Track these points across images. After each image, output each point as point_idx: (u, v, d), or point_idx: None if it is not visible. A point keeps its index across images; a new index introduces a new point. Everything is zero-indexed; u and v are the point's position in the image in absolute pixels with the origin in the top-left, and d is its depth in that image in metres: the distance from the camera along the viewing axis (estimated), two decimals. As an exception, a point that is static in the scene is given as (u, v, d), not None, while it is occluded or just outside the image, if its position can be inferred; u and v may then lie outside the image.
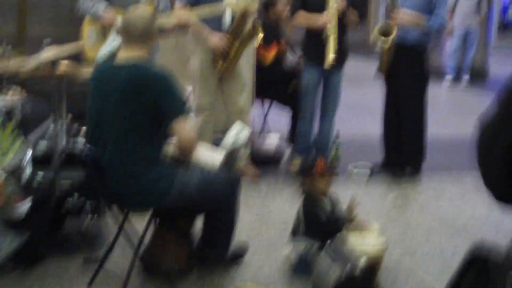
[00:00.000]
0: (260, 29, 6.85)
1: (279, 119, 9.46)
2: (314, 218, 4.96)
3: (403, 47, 7.20)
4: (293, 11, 7.41)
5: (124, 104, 4.34)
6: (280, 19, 8.48)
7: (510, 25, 22.62)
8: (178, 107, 4.39)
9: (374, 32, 7.23)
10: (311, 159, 5.22)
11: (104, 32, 6.40)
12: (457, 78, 14.75)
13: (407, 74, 7.25)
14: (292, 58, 8.66)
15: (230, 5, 6.58)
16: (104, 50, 6.35)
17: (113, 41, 6.34)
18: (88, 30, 6.46)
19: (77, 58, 5.93)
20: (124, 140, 4.37)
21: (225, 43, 6.74)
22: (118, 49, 4.61)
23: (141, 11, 4.63)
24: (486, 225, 6.14)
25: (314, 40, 7.23)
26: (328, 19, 7.00)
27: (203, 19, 6.77)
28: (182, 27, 6.54)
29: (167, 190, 4.45)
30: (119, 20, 6.34)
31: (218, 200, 4.70)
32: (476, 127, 1.86)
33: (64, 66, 5.42)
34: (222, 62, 6.83)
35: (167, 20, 6.41)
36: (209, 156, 4.84)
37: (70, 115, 5.80)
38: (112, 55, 4.60)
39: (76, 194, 5.34)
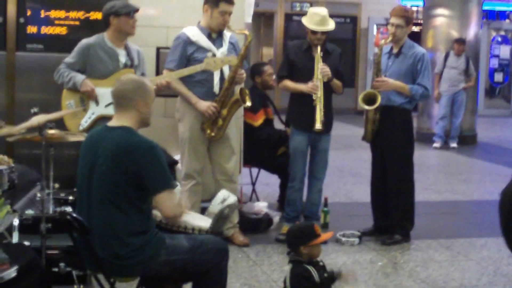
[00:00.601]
0: (248, 97, 6.90)
1: (268, 186, 9.47)
2: (300, 286, 4.90)
3: (388, 108, 7.25)
4: (280, 77, 7.48)
5: (111, 168, 4.35)
6: (268, 87, 8.55)
7: (496, 89, 22.80)
8: (162, 181, 4.40)
9: (359, 100, 7.31)
10: (310, 226, 5.11)
11: (83, 101, 6.41)
12: (445, 143, 14.81)
13: (392, 136, 7.29)
14: (279, 126, 8.70)
15: (209, 63, 6.63)
16: (85, 121, 6.38)
17: (93, 114, 6.37)
18: (67, 102, 6.47)
19: (63, 125, 5.94)
20: (110, 207, 4.36)
21: (213, 110, 6.77)
22: (99, 118, 4.63)
23: (128, 76, 4.66)
24: (475, 292, 6.11)
25: (300, 106, 7.29)
26: (314, 88, 7.05)
27: (192, 84, 6.81)
28: (160, 92, 6.55)
29: (154, 257, 4.42)
30: (97, 91, 6.37)
31: (206, 266, 4.65)
32: (500, 198, 1.86)
33: (52, 132, 5.43)
34: (211, 129, 6.85)
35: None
36: (196, 223, 4.82)
37: (57, 184, 5.78)
38: (104, 124, 4.62)
39: (62, 263, 5.30)
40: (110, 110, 5.92)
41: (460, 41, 14.59)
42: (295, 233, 5.04)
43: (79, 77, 6.35)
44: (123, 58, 6.48)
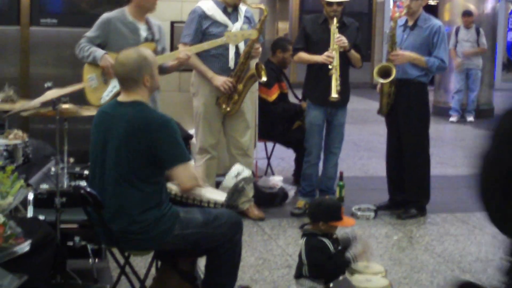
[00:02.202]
0: (264, 72, 6.86)
1: (283, 160, 9.45)
2: (315, 258, 4.89)
3: (404, 81, 7.20)
4: (295, 49, 7.43)
5: (125, 145, 4.33)
6: (285, 65, 8.52)
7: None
8: (178, 154, 4.39)
9: (374, 73, 7.26)
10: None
11: (104, 77, 6.39)
12: (462, 117, 14.74)
13: (408, 109, 7.24)
14: (294, 100, 8.68)
15: (230, 37, 6.58)
16: (107, 95, 6.36)
17: (114, 87, 6.35)
18: (88, 75, 6.44)
19: (78, 98, 5.93)
20: (124, 181, 4.35)
21: (229, 83, 6.75)
22: (119, 93, 4.61)
23: (127, 55, 4.56)
24: (491, 266, 6.07)
25: (317, 79, 7.24)
26: (331, 55, 6.99)
27: (208, 59, 6.78)
28: (181, 65, 6.52)
29: (168, 231, 4.42)
30: None
31: (221, 240, 4.65)
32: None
33: (66, 106, 5.42)
34: (226, 103, 6.83)
35: (167, 59, 6.42)
36: (212, 197, 4.81)
37: (72, 158, 5.78)
38: (115, 98, 4.60)
39: (77, 237, 5.31)
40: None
41: (467, 14, 14.47)
42: (322, 208, 5.01)
43: (99, 52, 6.32)
44: (144, 32, 6.44)
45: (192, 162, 4.66)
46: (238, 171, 4.95)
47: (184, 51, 6.51)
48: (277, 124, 8.28)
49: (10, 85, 6.27)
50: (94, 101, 6.36)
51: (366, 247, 4.99)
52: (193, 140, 7.15)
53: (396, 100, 7.27)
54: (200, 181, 4.65)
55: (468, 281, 1.75)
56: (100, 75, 6.40)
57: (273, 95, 8.19)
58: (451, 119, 14.62)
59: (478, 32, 14.47)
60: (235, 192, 4.85)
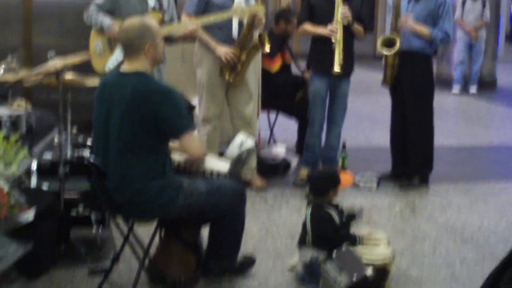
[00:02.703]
0: (267, 42, 6.84)
1: (286, 130, 9.45)
2: (321, 229, 4.92)
3: (408, 53, 7.18)
4: (300, 21, 7.40)
5: (128, 115, 4.33)
6: (287, 36, 8.49)
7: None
8: (182, 123, 4.38)
9: (378, 43, 7.24)
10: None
11: (110, 44, 6.39)
12: (464, 89, 14.71)
13: (413, 81, 7.23)
14: (296, 70, 8.67)
15: (237, 11, 6.56)
16: (111, 63, 6.36)
17: (119, 56, 6.34)
18: (95, 42, 6.45)
19: (82, 68, 5.92)
20: (127, 151, 4.36)
21: (232, 54, 6.73)
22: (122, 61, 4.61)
23: (130, 22, 4.54)
24: (494, 235, 6.09)
25: (321, 50, 7.21)
26: (334, 30, 6.98)
27: (211, 30, 6.76)
28: (189, 37, 6.53)
29: (172, 200, 4.43)
30: None
31: (224, 210, 4.67)
32: None
33: (69, 76, 5.42)
34: (229, 73, 6.82)
35: (175, 30, 6.41)
36: (215, 166, 4.82)
37: (75, 126, 5.79)
38: (117, 67, 4.59)
39: (81, 205, 5.33)
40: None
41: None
42: (325, 178, 5.11)
43: (106, 21, 6.31)
44: (151, 2, 6.43)
45: (196, 132, 4.67)
46: (242, 140, 4.95)
47: (192, 23, 6.50)
48: (280, 95, 8.27)
49: (13, 55, 6.26)
50: (99, 68, 6.37)
51: (370, 219, 5.04)
52: (197, 110, 7.15)
53: (400, 72, 7.25)
54: (205, 150, 4.66)
55: None
56: (106, 43, 6.40)
57: (275, 66, 8.17)
58: (454, 90, 14.58)
59: (484, 4, 14.39)
60: (239, 162, 4.86)
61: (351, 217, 5.04)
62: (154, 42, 4.49)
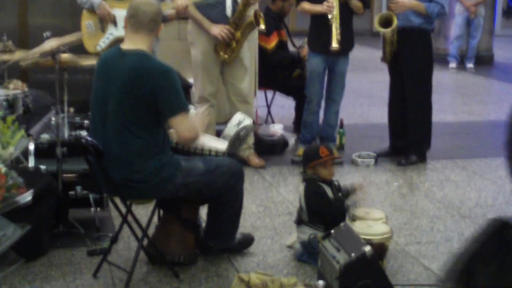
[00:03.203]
0: (262, 20, 6.82)
1: (283, 108, 9.45)
2: (314, 203, 4.93)
3: (407, 30, 7.15)
4: (298, 0, 7.36)
5: (126, 93, 4.32)
6: (284, 14, 8.46)
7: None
8: (176, 105, 4.38)
9: (375, 22, 7.21)
10: (315, 148, 5.19)
11: (101, 24, 6.38)
12: (461, 64, 14.67)
13: (412, 57, 7.20)
14: (293, 48, 8.64)
15: None
16: (103, 42, 6.35)
17: (110, 35, 6.33)
18: (86, 22, 6.43)
19: (77, 49, 5.91)
20: (125, 130, 4.35)
21: (226, 33, 6.71)
22: (117, 40, 4.59)
23: (147, 3, 4.52)
24: (491, 212, 6.09)
25: (319, 28, 7.19)
26: (330, 5, 6.95)
27: (204, 8, 6.73)
28: (181, 15, 6.50)
29: (170, 179, 4.43)
30: (115, 12, 6.33)
31: (222, 188, 4.68)
32: (508, 118, 1.80)
33: (65, 57, 5.41)
34: (224, 52, 6.80)
35: (166, 8, 6.39)
36: (213, 145, 4.81)
37: (72, 108, 5.78)
38: (118, 45, 4.58)
39: (79, 187, 5.33)
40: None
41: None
42: (303, 154, 5.29)
43: (97, 0, 6.31)
44: None
45: (192, 111, 4.66)
46: (240, 119, 4.95)
47: (183, 1, 6.47)
48: (277, 73, 8.26)
49: (9, 36, 6.24)
50: (90, 48, 6.36)
51: (364, 192, 5.06)
52: (193, 89, 7.14)
53: (399, 48, 7.22)
54: (198, 132, 4.64)
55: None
56: (98, 22, 6.39)
57: (271, 43, 8.14)
58: (451, 65, 14.54)
59: None
60: (236, 140, 4.86)
61: (346, 194, 5.07)
62: (161, 24, 4.54)
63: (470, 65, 14.62)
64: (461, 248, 1.88)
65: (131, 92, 4.33)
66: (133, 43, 4.47)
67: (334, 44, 6.92)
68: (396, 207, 6.19)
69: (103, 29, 6.38)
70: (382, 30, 7.14)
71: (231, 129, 4.92)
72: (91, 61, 5.48)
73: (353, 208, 4.97)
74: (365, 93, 11.55)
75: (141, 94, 4.31)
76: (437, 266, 4.96)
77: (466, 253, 1.80)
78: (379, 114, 9.03)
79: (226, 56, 6.81)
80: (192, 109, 4.71)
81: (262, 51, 8.04)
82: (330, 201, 4.93)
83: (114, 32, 6.39)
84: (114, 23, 6.36)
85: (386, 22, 7.13)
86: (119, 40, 6.28)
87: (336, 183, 5.11)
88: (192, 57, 6.97)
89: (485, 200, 6.40)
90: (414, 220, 5.87)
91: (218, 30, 6.71)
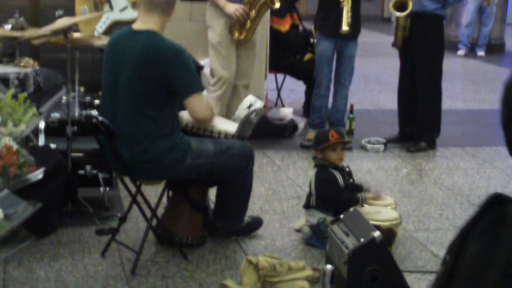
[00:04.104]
0: (276, -1, 6.81)
1: (293, 92, 9.43)
2: (324, 190, 4.93)
3: (420, 14, 7.10)
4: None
5: (138, 72, 4.31)
6: None
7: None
8: (191, 85, 4.37)
9: (390, 6, 7.17)
10: (325, 132, 5.19)
11: (96, 6, 6.35)
12: (471, 51, 14.60)
13: (423, 43, 7.16)
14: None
15: None
16: (100, 28, 6.33)
17: (107, 19, 6.31)
18: (80, 7, 6.42)
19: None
20: (136, 110, 4.35)
21: (241, 10, 6.69)
22: (114, 23, 4.57)
23: None
24: (500, 200, 6.07)
25: (328, 11, 7.17)
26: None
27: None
28: None
29: (180, 160, 4.43)
30: None
31: (232, 171, 4.67)
32: (501, 91, 1.79)
33: (77, 35, 5.40)
34: (239, 32, 6.79)
35: None
36: (223, 127, 4.80)
37: (82, 87, 5.77)
38: (129, 26, 4.56)
39: (88, 166, 5.33)
40: (125, 15, 5.89)
41: None
42: (314, 137, 5.29)
43: None
44: None
45: (205, 93, 4.65)
46: (251, 102, 4.94)
47: None
48: (289, 55, 8.25)
49: (20, 13, 6.23)
50: (88, 33, 6.34)
51: (378, 196, 5.04)
52: (205, 70, 7.12)
53: (411, 34, 7.19)
54: (214, 112, 4.64)
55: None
56: (92, 6, 6.37)
57: (286, 25, 8.13)
58: (459, 52, 14.49)
59: None
60: (246, 123, 4.84)
61: (358, 187, 5.07)
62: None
63: (481, 53, 14.57)
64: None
65: (142, 71, 4.32)
66: (145, 23, 4.45)
67: (345, 27, 6.87)
68: (405, 193, 6.18)
69: (99, 11, 6.37)
70: (397, 13, 7.10)
71: (241, 111, 4.91)
72: (103, 41, 5.47)
73: (361, 203, 4.94)
74: (375, 79, 11.52)
75: (153, 73, 4.30)
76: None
77: (463, 226, 1.80)
78: (389, 100, 9.01)
79: (241, 37, 6.80)
80: (205, 92, 4.70)
81: (275, 33, 8.03)
82: (341, 189, 4.93)
83: (111, 15, 6.38)
84: (110, 6, 6.33)
85: (401, 6, 7.09)
86: (116, 24, 6.29)
87: (347, 169, 5.11)
88: (209, 39, 6.95)
89: (494, 188, 6.38)
90: (423, 207, 5.86)
91: (233, 8, 6.69)
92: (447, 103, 8.01)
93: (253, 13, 6.76)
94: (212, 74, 6.94)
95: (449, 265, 1.77)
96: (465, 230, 1.74)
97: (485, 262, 1.67)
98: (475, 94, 10.77)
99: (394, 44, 7.41)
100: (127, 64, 4.36)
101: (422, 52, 7.20)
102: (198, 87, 4.41)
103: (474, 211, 1.78)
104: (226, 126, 4.88)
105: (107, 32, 6.35)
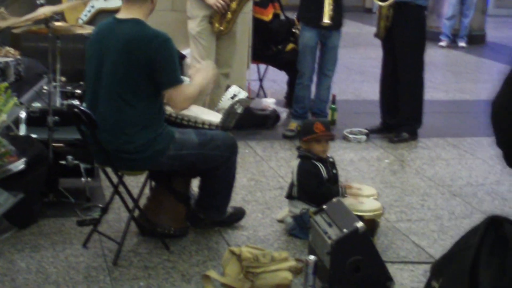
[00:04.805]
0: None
1: (275, 82, 9.42)
2: (306, 181, 4.93)
3: (402, 5, 7.10)
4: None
5: (121, 61, 4.28)
6: None
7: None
8: (172, 76, 4.34)
9: (372, -4, 7.17)
10: (311, 123, 5.17)
11: None
12: (452, 42, 14.63)
13: (405, 33, 7.17)
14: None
15: None
16: (84, 16, 6.29)
17: (92, 7, 6.27)
18: None
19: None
20: (120, 99, 4.32)
21: (222, 4, 6.66)
22: (99, 12, 4.54)
23: None
24: (481, 190, 6.11)
25: (310, 2, 7.16)
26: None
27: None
28: None
29: (162, 152, 4.41)
30: None
31: (215, 161, 4.66)
32: (491, 109, 1.78)
33: (58, 24, 5.35)
34: (219, 23, 6.76)
35: None
36: (206, 118, 4.78)
37: (64, 77, 5.72)
38: (113, 16, 4.52)
39: (70, 156, 5.29)
40: (110, 4, 5.84)
41: None
42: (301, 127, 5.33)
43: None
44: None
45: (186, 81, 4.63)
46: (235, 92, 4.91)
47: None
48: (271, 45, 8.22)
49: (1, 2, 6.18)
50: (72, 22, 6.32)
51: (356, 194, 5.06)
52: (187, 60, 7.09)
53: (393, 23, 7.19)
54: (192, 101, 4.59)
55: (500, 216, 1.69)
56: None
57: (269, 15, 8.11)
58: (441, 43, 14.51)
59: None
60: (231, 113, 4.83)
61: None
62: None
63: (462, 43, 14.60)
64: (450, 248, 1.87)
65: (126, 60, 4.29)
66: (129, 12, 4.42)
67: (326, 20, 6.86)
68: (386, 184, 6.18)
69: (84, 2, 6.32)
70: (379, 3, 7.10)
71: (225, 102, 4.88)
72: (85, 30, 5.42)
73: (342, 195, 4.93)
74: (357, 69, 11.52)
75: (137, 62, 4.27)
76: (427, 244, 4.97)
77: (461, 251, 1.78)
78: (371, 91, 9.01)
79: (221, 28, 6.77)
80: (187, 80, 4.68)
81: (258, 22, 8.01)
82: (323, 181, 4.93)
83: (96, 4, 6.34)
84: None
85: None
86: (100, 12, 6.24)
87: (331, 159, 5.11)
88: (188, 30, 6.91)
89: (476, 179, 6.40)
90: (404, 197, 5.87)
91: (215, 0, 6.67)
92: (429, 94, 8.02)
93: (234, 4, 6.73)
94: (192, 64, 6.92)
95: None
96: (472, 259, 1.71)
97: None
98: (457, 85, 10.79)
99: (376, 35, 7.41)
100: (111, 52, 4.33)
101: (404, 42, 7.20)
102: (179, 78, 4.38)
103: (473, 235, 1.77)
104: (210, 116, 4.86)
105: (91, 20, 6.31)
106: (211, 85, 4.79)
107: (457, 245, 1.82)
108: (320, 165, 4.98)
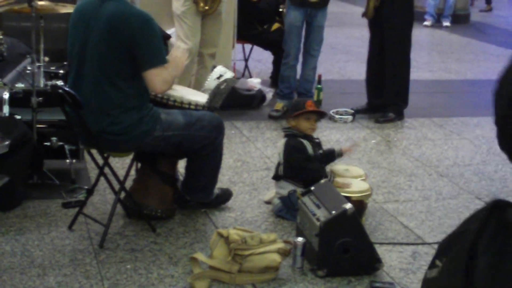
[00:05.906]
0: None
1: (260, 62, 9.36)
2: (294, 161, 4.90)
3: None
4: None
5: (104, 40, 4.21)
6: None
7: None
8: (154, 57, 4.24)
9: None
10: (303, 100, 5.15)
11: None
12: (437, 22, 14.62)
13: (393, 13, 7.13)
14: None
15: None
16: None
17: None
18: None
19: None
20: (104, 80, 4.25)
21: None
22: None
23: None
24: (468, 170, 6.10)
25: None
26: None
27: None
28: None
29: (148, 133, 4.35)
30: None
31: (201, 143, 4.61)
32: (495, 84, 1.74)
33: (41, 3, 5.27)
34: (204, 3, 6.69)
35: None
36: (193, 99, 4.73)
37: (47, 57, 5.64)
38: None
39: (54, 138, 5.22)
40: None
41: None
42: (291, 104, 5.35)
43: None
44: None
45: (182, 45, 4.56)
46: (221, 72, 4.86)
47: None
48: (256, 24, 8.17)
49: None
50: None
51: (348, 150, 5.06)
52: (172, 40, 7.02)
53: (382, 3, 7.14)
54: (172, 84, 4.51)
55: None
56: None
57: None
58: (425, 23, 14.48)
59: None
60: (216, 94, 4.78)
61: (330, 154, 5.04)
62: None
63: (446, 23, 14.59)
64: (456, 228, 1.84)
65: (110, 39, 4.21)
66: None
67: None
68: (374, 164, 6.16)
69: None
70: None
71: (211, 82, 4.83)
72: (69, 9, 5.34)
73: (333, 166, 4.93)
74: (342, 49, 11.48)
75: (120, 41, 4.20)
76: (415, 224, 4.96)
77: (464, 233, 1.75)
78: (356, 70, 8.98)
79: (206, 7, 6.70)
80: (182, 45, 4.61)
81: (245, 2, 7.95)
82: (309, 157, 4.90)
83: None
84: None
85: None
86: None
87: (317, 140, 5.08)
88: (173, 10, 6.83)
89: (462, 159, 6.39)
90: (392, 178, 5.85)
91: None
92: (414, 74, 7.99)
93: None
94: (180, 44, 6.84)
95: (446, 272, 1.73)
96: (471, 242, 1.69)
97: (496, 277, 1.64)
98: (442, 64, 10.78)
99: (364, 14, 7.36)
100: (94, 32, 4.26)
101: (392, 22, 7.16)
102: (160, 60, 4.27)
103: (475, 218, 1.74)
104: (196, 97, 4.81)
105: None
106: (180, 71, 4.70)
107: (462, 226, 1.78)
108: (306, 142, 4.95)
